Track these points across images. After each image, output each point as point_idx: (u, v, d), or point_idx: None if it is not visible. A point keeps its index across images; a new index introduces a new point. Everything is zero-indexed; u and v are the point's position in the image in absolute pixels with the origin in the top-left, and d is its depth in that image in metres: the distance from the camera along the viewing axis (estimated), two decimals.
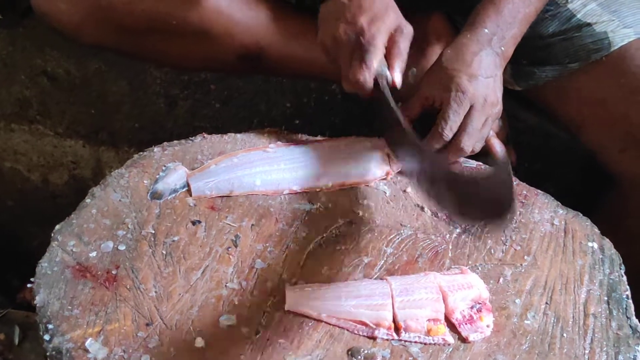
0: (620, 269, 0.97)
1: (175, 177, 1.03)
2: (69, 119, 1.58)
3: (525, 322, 0.88)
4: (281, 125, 1.19)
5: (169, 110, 1.53)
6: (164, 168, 1.05)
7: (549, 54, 1.21)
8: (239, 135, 1.12)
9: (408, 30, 1.06)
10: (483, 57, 1.06)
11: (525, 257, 0.97)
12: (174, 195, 1.01)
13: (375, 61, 1.01)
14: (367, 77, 1.01)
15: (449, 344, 0.85)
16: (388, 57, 1.04)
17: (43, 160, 1.64)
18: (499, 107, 1.08)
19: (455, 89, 1.03)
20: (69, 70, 1.53)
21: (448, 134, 1.03)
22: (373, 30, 1.02)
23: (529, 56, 1.23)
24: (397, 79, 1.03)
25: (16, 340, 1.39)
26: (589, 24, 1.17)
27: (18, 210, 1.69)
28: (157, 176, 1.03)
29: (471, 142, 1.05)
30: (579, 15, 1.18)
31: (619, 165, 1.20)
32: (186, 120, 1.53)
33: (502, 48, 1.08)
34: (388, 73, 1.03)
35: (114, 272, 0.90)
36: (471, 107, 1.04)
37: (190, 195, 1.00)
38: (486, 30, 1.07)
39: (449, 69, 1.05)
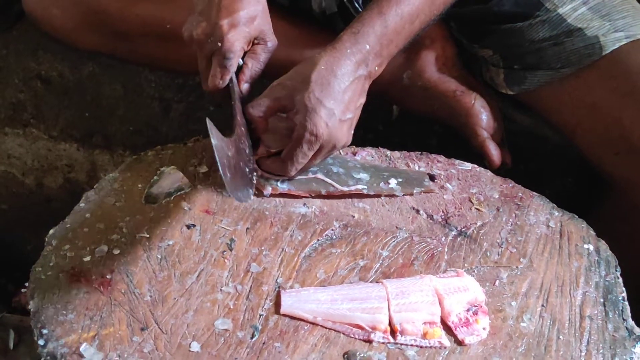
0: (616, 270, 0.97)
1: (169, 181, 1.03)
2: (63, 122, 1.58)
3: (522, 324, 0.88)
4: None
5: (164, 113, 1.52)
6: (158, 172, 1.05)
7: (541, 59, 1.21)
8: None
9: (271, 43, 1.07)
10: (353, 88, 1.01)
11: (521, 259, 0.97)
12: (168, 199, 1.01)
13: (233, 68, 1.03)
14: (223, 83, 1.03)
15: (445, 347, 0.85)
16: (243, 65, 1.06)
17: (37, 164, 1.63)
18: (346, 144, 1.04)
19: (310, 130, 0.97)
20: (63, 73, 1.53)
21: (292, 172, 1.01)
22: (232, 36, 1.02)
23: (521, 61, 1.23)
24: (243, 88, 1.05)
25: (11, 345, 1.38)
26: (580, 29, 1.17)
27: (12, 214, 1.68)
28: (152, 180, 1.03)
29: (298, 171, 1.02)
30: (569, 20, 1.18)
31: (613, 168, 1.20)
32: (180, 124, 1.52)
33: (377, 68, 1.04)
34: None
35: (108, 276, 0.89)
36: (319, 147, 1.00)
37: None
38: (367, 47, 1.01)
39: (314, 94, 0.97)
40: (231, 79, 1.04)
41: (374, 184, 1.05)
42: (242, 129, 1.01)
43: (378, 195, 1.05)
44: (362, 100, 1.04)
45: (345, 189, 1.04)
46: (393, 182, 1.06)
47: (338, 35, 1.26)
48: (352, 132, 1.03)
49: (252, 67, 1.06)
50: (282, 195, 1.03)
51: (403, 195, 1.05)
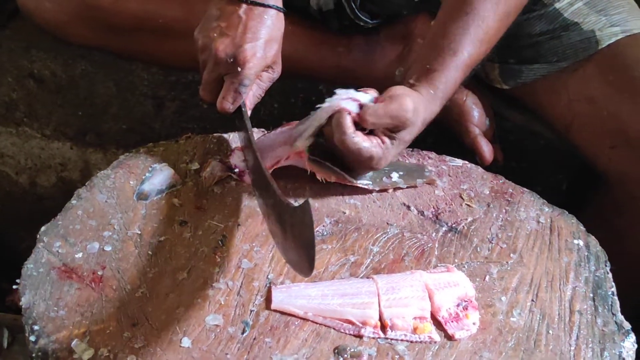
0: (606, 265, 0.97)
1: (161, 177, 1.03)
2: (56, 120, 1.58)
3: (511, 319, 0.88)
4: (269, 125, 1.19)
5: (157, 111, 1.52)
6: (150, 169, 1.05)
7: (537, 53, 1.21)
8: (225, 135, 1.12)
9: (277, 73, 1.08)
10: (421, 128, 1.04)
11: (511, 254, 0.97)
12: (160, 195, 1.01)
13: (246, 95, 1.04)
14: (234, 108, 1.05)
15: (435, 342, 0.85)
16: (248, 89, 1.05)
17: (30, 163, 1.63)
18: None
19: (384, 156, 1.00)
20: (56, 72, 1.53)
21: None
22: (253, 64, 1.02)
23: (517, 55, 1.23)
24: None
25: (5, 344, 1.38)
26: (576, 23, 1.18)
27: (6, 213, 1.68)
28: (144, 177, 1.03)
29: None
30: (566, 15, 1.19)
31: (609, 163, 1.20)
32: (174, 121, 1.53)
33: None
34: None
35: (100, 272, 0.90)
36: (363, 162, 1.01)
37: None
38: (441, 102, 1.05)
39: (411, 136, 1.01)
40: (243, 103, 1.05)
41: (377, 179, 1.05)
42: (260, 160, 0.99)
43: (385, 190, 1.05)
44: None
45: (355, 181, 1.04)
46: (395, 176, 1.06)
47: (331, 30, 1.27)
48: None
49: (255, 92, 1.07)
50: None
51: (407, 187, 1.06)
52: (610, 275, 0.96)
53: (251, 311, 0.87)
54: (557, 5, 1.20)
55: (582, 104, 1.21)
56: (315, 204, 1.02)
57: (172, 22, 1.19)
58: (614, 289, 0.94)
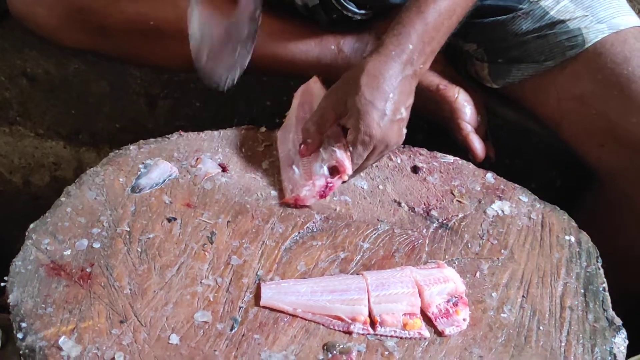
0: (597, 261, 0.97)
1: (158, 172, 1.03)
2: (50, 120, 1.57)
3: (502, 315, 0.88)
4: (262, 124, 1.19)
5: (150, 110, 1.52)
6: (143, 164, 1.04)
7: (525, 52, 1.21)
8: (215, 133, 1.12)
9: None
10: (401, 88, 1.03)
11: (502, 250, 0.97)
12: (155, 188, 1.01)
13: None
14: None
15: (425, 338, 0.85)
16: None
17: (24, 162, 1.63)
18: (398, 144, 1.05)
19: (364, 132, 1.00)
20: (49, 70, 1.52)
21: (349, 173, 1.02)
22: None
23: (505, 54, 1.23)
24: None
25: None
26: (562, 21, 1.17)
27: None
28: (139, 172, 1.03)
29: (356, 173, 1.05)
30: (552, 13, 1.19)
31: (598, 160, 1.20)
32: (167, 120, 1.52)
33: (422, 66, 1.05)
34: None
35: (88, 270, 0.89)
36: (373, 148, 1.02)
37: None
38: (410, 47, 1.03)
39: (364, 97, 1.00)
40: None
41: None
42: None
43: None
44: (411, 99, 1.05)
45: None
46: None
47: (320, 26, 1.27)
48: (405, 131, 1.05)
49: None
50: None
51: None
52: (601, 271, 0.96)
53: (240, 308, 0.86)
54: (543, 3, 1.20)
55: (570, 103, 1.20)
56: None
57: (163, 24, 1.18)
58: (605, 285, 0.94)
